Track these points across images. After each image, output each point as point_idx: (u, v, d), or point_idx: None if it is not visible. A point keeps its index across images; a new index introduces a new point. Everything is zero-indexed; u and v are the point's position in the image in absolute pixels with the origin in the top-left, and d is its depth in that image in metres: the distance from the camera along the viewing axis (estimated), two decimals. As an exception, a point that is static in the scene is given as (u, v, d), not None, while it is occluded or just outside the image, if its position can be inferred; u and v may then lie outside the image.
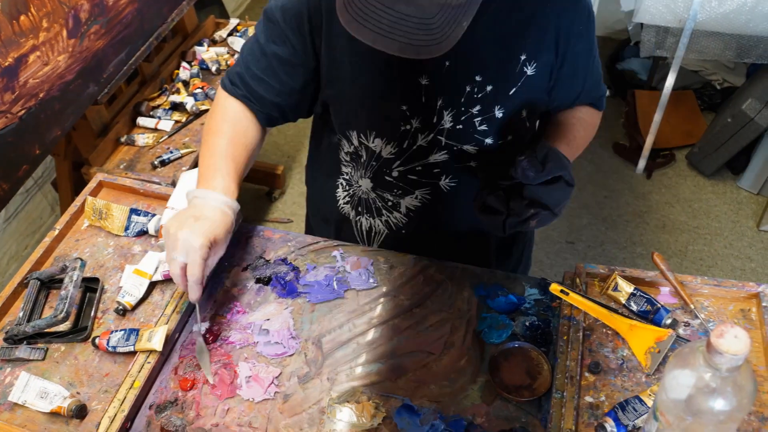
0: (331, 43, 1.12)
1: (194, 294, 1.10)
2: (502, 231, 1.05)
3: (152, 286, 1.26)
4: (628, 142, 3.15)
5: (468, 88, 1.10)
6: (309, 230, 1.56)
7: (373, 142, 1.18)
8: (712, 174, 3.04)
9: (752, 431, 1.00)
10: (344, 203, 1.34)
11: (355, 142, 1.21)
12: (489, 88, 1.10)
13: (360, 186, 1.27)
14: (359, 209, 1.32)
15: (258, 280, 1.27)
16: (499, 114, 1.13)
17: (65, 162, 2.10)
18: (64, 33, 1.72)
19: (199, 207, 1.12)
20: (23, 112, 1.62)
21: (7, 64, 1.55)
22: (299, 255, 1.31)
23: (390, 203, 1.26)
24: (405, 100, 1.12)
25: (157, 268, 1.26)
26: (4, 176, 1.62)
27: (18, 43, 1.57)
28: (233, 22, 2.57)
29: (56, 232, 1.36)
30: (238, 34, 2.52)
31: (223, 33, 2.52)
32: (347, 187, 1.31)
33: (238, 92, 1.22)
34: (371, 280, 1.25)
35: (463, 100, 1.11)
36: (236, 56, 2.39)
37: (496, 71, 1.10)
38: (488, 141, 1.15)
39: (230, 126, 1.21)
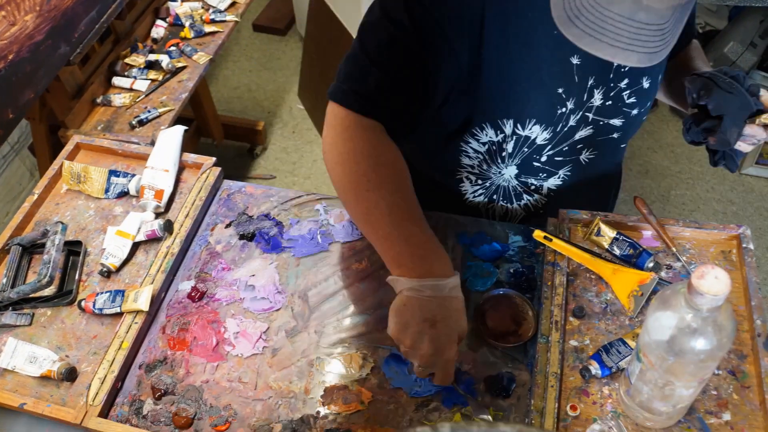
0: (491, 36, 1.01)
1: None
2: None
3: (135, 246, 1.25)
4: (610, 89, 3.14)
5: (615, 63, 1.06)
6: None
7: (530, 130, 1.12)
8: (694, 118, 3.04)
9: (731, 369, 1.02)
10: (474, 196, 1.27)
11: (507, 131, 1.12)
12: None
13: (502, 174, 1.20)
14: (494, 197, 1.26)
15: (242, 237, 1.27)
16: (646, 84, 1.11)
17: (41, 125, 2.06)
18: (31, -9, 1.67)
19: (428, 306, 0.93)
20: (-6, 74, 1.58)
21: (-27, 25, 1.50)
22: (282, 210, 1.31)
23: (533, 187, 1.22)
24: (561, 82, 1.07)
25: (139, 228, 1.25)
26: (-22, 141, 1.59)
27: (-17, 3, 1.52)
28: (206, -25, 2.50)
29: (35, 196, 1.34)
30: (212, -12, 2.46)
31: (196, -13, 2.46)
32: (478, 181, 1.23)
33: (370, 108, 1.03)
34: (355, 232, 1.25)
35: (611, 75, 1.08)
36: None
37: None
38: (634, 112, 1.14)
39: (388, 170, 1.01)
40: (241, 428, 1.03)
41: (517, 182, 1.21)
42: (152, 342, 1.14)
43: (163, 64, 2.11)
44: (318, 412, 1.03)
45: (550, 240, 1.15)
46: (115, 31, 2.21)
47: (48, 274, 1.15)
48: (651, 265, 1.13)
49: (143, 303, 1.12)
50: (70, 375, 1.08)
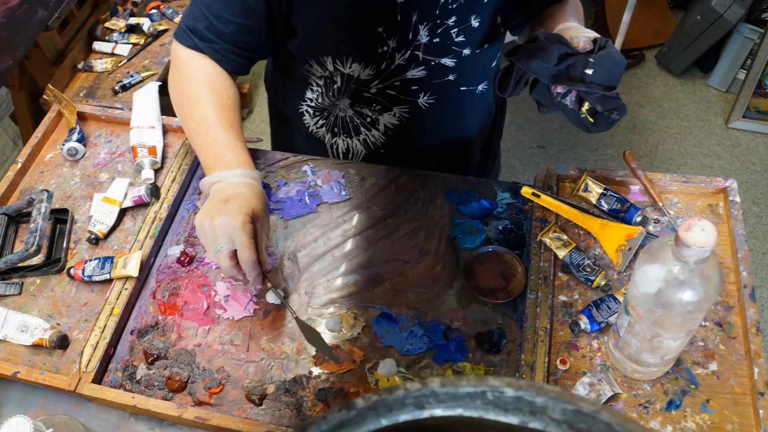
0: None
1: (256, 281, 1.01)
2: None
3: (123, 212, 1.25)
4: (597, 44, 3.11)
5: (441, 0, 1.06)
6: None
7: (350, 68, 1.14)
8: (681, 73, 3.03)
9: (718, 320, 1.03)
10: (317, 128, 1.31)
11: (330, 68, 1.16)
12: None
13: (337, 105, 1.24)
14: (335, 130, 1.29)
15: (230, 201, 1.26)
16: (475, 23, 1.10)
17: (21, 93, 2.03)
18: (4, -47, 1.62)
19: (222, 191, 1.02)
20: (-30, 41, 1.55)
21: (-54, -11, 1.47)
22: (269, 172, 1.30)
23: (369, 119, 1.24)
24: (381, 21, 1.07)
25: (125, 194, 1.24)
26: (-42, 110, 1.56)
27: (-45, -33, 1.48)
28: (185, -65, 2.44)
29: (19, 165, 1.33)
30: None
31: (175, -53, 2.40)
32: (315, 114, 1.29)
33: (200, 44, 1.12)
34: (343, 193, 1.25)
35: (437, 12, 1.07)
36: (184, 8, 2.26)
37: None
38: (466, 52, 1.13)
39: (208, 90, 1.11)
40: (235, 390, 1.03)
41: (353, 112, 1.24)
42: (143, 307, 1.14)
43: (145, 28, 2.07)
44: (310, 372, 1.04)
45: (538, 196, 1.15)
46: (93, -6, 2.17)
47: (35, 243, 1.14)
48: (639, 219, 1.13)
49: (132, 269, 1.12)
50: (62, 342, 1.08)
